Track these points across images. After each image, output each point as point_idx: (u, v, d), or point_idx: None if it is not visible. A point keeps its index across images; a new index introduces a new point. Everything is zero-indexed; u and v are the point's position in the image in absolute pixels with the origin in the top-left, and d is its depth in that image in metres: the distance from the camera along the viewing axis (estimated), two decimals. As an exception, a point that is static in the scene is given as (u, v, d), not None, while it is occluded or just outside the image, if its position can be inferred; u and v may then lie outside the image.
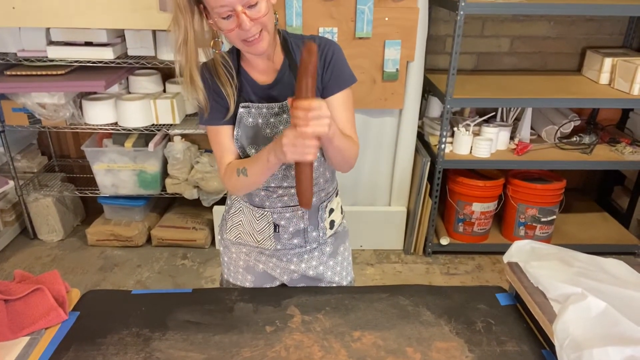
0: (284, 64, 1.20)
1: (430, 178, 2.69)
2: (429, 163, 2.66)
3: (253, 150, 1.22)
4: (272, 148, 1.07)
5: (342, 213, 1.43)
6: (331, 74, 1.19)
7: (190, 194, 2.84)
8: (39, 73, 2.47)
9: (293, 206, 1.29)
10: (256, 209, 1.32)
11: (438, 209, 2.83)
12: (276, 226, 1.31)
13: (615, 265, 1.23)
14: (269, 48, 1.13)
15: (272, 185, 1.27)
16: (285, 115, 1.19)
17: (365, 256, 2.88)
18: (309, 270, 1.38)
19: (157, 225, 2.96)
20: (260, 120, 1.20)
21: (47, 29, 2.48)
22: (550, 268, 1.20)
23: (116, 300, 1.28)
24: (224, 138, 1.21)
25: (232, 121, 1.20)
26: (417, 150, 2.77)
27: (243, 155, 1.24)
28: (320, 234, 1.36)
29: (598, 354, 0.92)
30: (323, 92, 1.20)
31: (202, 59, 1.16)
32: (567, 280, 1.12)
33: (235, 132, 1.21)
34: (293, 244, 1.34)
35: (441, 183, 2.69)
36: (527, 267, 1.24)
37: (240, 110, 1.19)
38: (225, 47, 1.21)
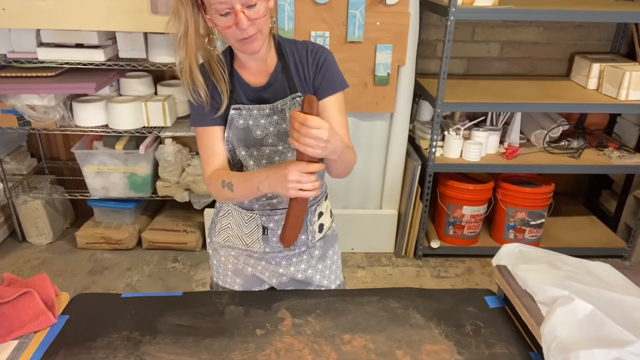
0: (277, 67, 1.21)
1: (421, 181, 2.71)
2: (419, 166, 2.67)
3: (243, 152, 1.22)
4: (267, 179, 1.06)
5: (331, 217, 1.44)
6: (322, 78, 1.20)
7: (181, 196, 2.83)
8: (28, 75, 2.46)
9: (282, 209, 1.30)
10: (245, 211, 1.32)
11: (429, 212, 2.84)
12: (265, 229, 1.32)
13: (601, 269, 1.25)
14: (263, 49, 1.14)
15: None
16: (275, 117, 1.20)
17: (356, 259, 2.89)
18: (297, 273, 1.39)
19: (148, 228, 2.94)
20: (250, 122, 1.20)
21: (38, 31, 2.47)
22: (538, 271, 1.22)
23: (106, 303, 1.28)
24: (213, 140, 1.22)
25: (223, 122, 1.21)
26: (408, 154, 2.78)
27: (232, 157, 1.25)
28: (309, 238, 1.36)
29: (585, 356, 0.94)
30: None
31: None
32: (555, 283, 1.14)
33: (226, 134, 1.21)
34: (281, 247, 1.34)
35: (432, 186, 2.71)
36: (515, 270, 1.25)
37: (232, 112, 1.20)
38: (220, 47, 1.22)
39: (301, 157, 1.02)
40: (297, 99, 1.20)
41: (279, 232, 1.32)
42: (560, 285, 1.12)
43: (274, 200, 1.29)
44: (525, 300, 1.16)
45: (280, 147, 1.22)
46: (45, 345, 1.12)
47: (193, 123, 1.23)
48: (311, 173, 1.01)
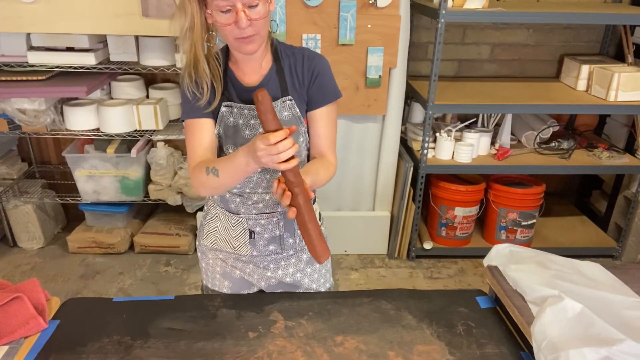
0: (272, 69, 1.22)
1: (413, 183, 2.72)
2: (412, 168, 2.68)
3: (231, 150, 1.23)
4: (247, 153, 1.06)
5: (320, 220, 1.44)
6: (317, 89, 1.22)
7: (173, 200, 2.82)
8: (19, 78, 2.44)
9: (268, 213, 1.30)
10: (232, 215, 1.32)
11: (421, 214, 2.85)
12: (252, 232, 1.32)
13: (591, 268, 1.26)
14: (259, 50, 1.16)
15: (247, 191, 1.28)
16: None
17: (349, 261, 2.89)
18: (285, 277, 1.39)
19: (140, 232, 2.93)
20: (240, 121, 1.21)
21: (28, 34, 2.45)
22: (528, 271, 1.22)
23: (97, 308, 1.27)
24: (202, 131, 1.21)
25: (213, 117, 1.22)
26: (400, 156, 2.79)
27: (219, 155, 1.25)
28: (297, 241, 1.36)
29: (574, 355, 0.94)
30: (307, 106, 1.24)
31: None
32: (545, 283, 1.15)
33: (216, 130, 1.22)
34: (269, 251, 1.35)
35: (424, 188, 2.72)
36: (506, 270, 1.26)
37: (223, 109, 1.21)
38: (218, 44, 1.23)
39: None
40: (288, 102, 1.21)
41: (266, 236, 1.32)
42: (550, 285, 1.13)
43: (260, 205, 1.29)
44: (516, 300, 1.16)
45: None
46: (35, 350, 1.11)
47: (184, 116, 1.23)
48: (278, 142, 0.99)
